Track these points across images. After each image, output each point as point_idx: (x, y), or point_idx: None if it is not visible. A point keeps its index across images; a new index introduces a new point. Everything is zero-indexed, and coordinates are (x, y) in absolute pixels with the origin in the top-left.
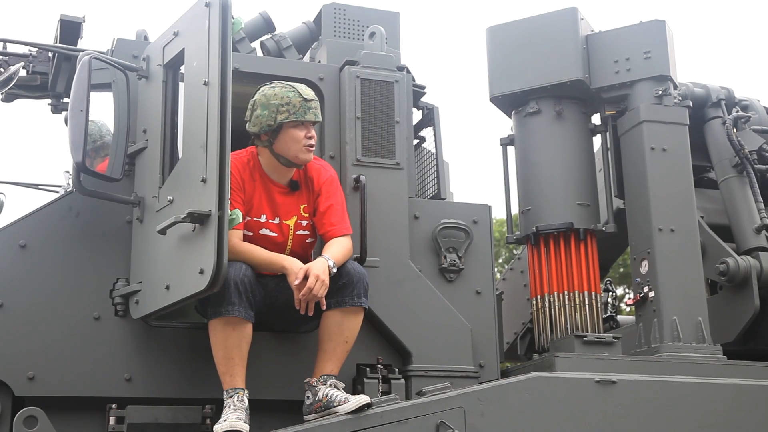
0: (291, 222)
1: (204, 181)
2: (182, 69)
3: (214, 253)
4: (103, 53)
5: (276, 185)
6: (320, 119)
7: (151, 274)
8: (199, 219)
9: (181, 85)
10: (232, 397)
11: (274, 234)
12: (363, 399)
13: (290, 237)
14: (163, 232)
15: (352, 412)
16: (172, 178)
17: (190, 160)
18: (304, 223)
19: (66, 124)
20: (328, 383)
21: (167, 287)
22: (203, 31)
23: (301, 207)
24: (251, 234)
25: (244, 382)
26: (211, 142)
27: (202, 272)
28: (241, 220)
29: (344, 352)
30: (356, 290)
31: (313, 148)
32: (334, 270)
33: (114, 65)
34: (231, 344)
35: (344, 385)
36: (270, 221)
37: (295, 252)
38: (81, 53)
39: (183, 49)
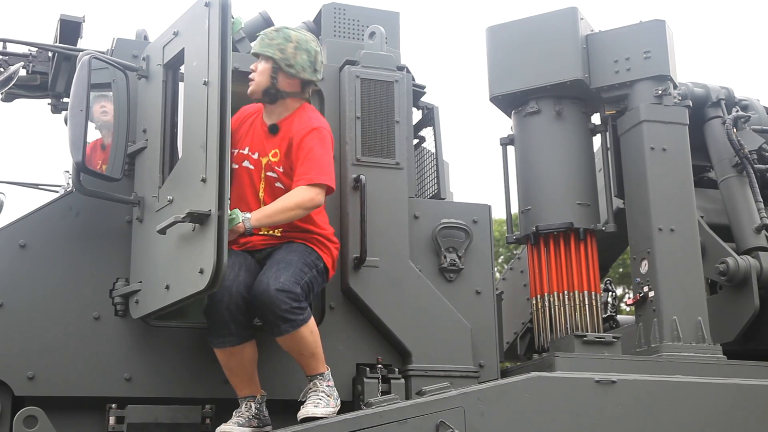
0: (264, 160)
1: (204, 180)
2: (182, 69)
3: (214, 252)
4: (102, 53)
5: (263, 123)
6: (254, 51)
7: (151, 274)
8: (198, 219)
9: (181, 85)
10: (240, 404)
11: (252, 167)
12: (311, 412)
13: (262, 176)
14: (162, 231)
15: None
16: (172, 178)
17: (190, 160)
18: (273, 167)
19: (66, 123)
20: (310, 383)
21: (167, 287)
22: (203, 31)
23: (272, 151)
24: (236, 166)
25: (251, 390)
26: (211, 141)
27: (201, 272)
28: (240, 221)
29: (309, 359)
30: (271, 323)
31: (251, 82)
32: (248, 227)
33: (114, 65)
34: (234, 366)
35: (329, 383)
36: (251, 155)
37: (266, 202)
38: (81, 53)
39: (183, 48)
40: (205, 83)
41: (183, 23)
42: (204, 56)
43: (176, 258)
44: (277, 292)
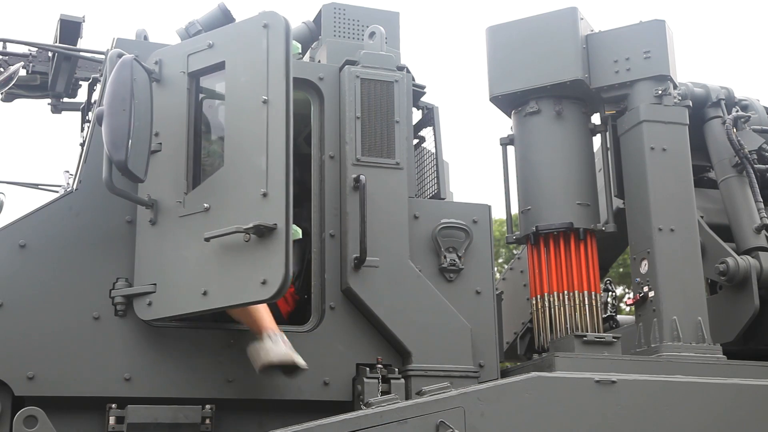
0: None
1: (265, 195)
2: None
3: (283, 265)
4: (102, 53)
5: None
6: None
7: (172, 278)
8: (260, 231)
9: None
10: (274, 336)
11: None
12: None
13: None
14: (207, 239)
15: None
16: (208, 186)
17: (237, 172)
18: None
19: (97, 122)
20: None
21: (204, 293)
22: (259, 50)
23: None
24: None
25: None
26: (276, 159)
27: (265, 282)
28: (300, 236)
29: (250, 323)
30: None
31: None
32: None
33: (142, 67)
34: None
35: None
36: None
37: None
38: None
39: (223, 61)
40: (265, 102)
41: (222, 37)
42: (260, 75)
43: (218, 265)
44: None
